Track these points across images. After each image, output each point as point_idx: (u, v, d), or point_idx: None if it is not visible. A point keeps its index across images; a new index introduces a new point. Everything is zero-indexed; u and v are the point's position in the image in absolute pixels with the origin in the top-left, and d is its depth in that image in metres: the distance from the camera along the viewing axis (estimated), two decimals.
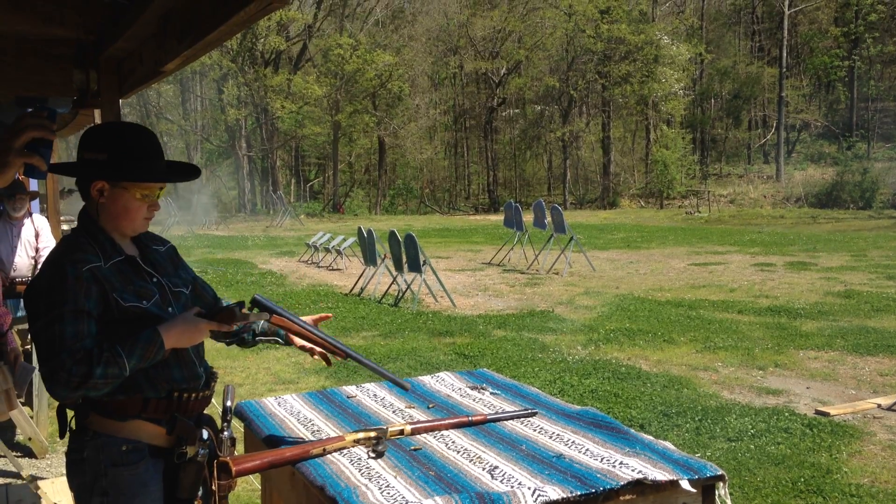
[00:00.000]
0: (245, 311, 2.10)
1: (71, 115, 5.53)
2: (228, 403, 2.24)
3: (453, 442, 2.33)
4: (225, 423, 2.22)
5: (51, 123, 1.72)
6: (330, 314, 2.57)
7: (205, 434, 2.14)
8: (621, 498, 1.96)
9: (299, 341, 2.35)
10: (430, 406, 2.71)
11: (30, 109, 1.77)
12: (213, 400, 2.31)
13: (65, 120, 5.84)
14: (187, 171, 2.22)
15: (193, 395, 2.14)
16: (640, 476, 1.98)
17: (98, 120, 4.31)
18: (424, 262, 11.17)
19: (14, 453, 5.31)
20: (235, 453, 2.26)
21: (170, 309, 2.10)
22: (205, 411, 2.27)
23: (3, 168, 1.68)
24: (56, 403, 2.10)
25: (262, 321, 2.33)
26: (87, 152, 2.04)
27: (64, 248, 2.04)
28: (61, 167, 2.20)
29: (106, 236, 2.07)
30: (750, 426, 5.55)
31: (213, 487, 2.14)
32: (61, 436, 2.13)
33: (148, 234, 2.24)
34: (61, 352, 1.87)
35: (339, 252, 16.19)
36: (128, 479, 2.04)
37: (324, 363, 2.44)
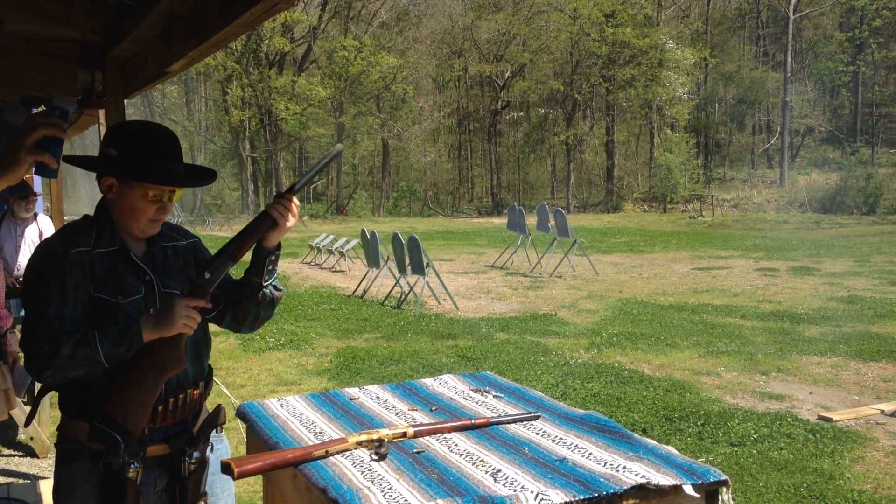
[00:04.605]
0: (208, 274, 2.00)
1: (76, 114, 5.55)
2: (212, 420, 2.14)
3: (456, 445, 2.33)
4: (195, 443, 2.10)
5: (62, 122, 1.72)
6: None
7: (158, 453, 2.06)
8: (625, 502, 1.95)
9: (269, 238, 2.10)
10: (433, 409, 2.70)
11: (35, 109, 1.77)
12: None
13: (69, 120, 5.86)
14: (202, 176, 2.15)
15: None
16: (644, 481, 1.97)
17: (103, 120, 4.31)
18: (427, 264, 11.16)
19: (16, 452, 5.32)
20: (205, 478, 2.15)
21: (152, 311, 2.02)
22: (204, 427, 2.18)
23: (14, 165, 1.68)
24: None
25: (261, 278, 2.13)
26: (104, 146, 2.01)
27: (62, 230, 2.05)
28: (77, 159, 2.10)
29: (110, 225, 2.03)
30: (752, 431, 5.54)
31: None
32: (26, 423, 2.13)
33: (173, 226, 2.19)
34: (39, 327, 1.87)
35: (342, 254, 16.19)
36: (62, 479, 2.04)
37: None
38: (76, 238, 1.99)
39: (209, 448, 2.17)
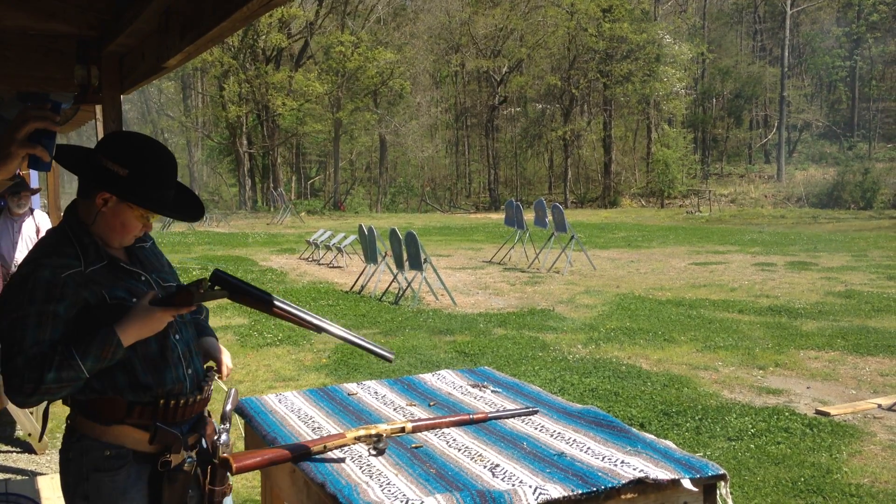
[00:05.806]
0: (203, 290, 1.98)
1: (72, 110, 5.54)
2: (228, 408, 2.19)
3: (454, 440, 2.33)
4: (223, 427, 2.16)
5: (54, 115, 1.71)
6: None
7: (192, 442, 2.11)
8: (623, 497, 1.96)
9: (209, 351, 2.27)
10: (432, 404, 2.70)
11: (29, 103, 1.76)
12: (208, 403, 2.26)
13: (66, 115, 5.85)
14: (191, 208, 2.20)
15: (182, 400, 2.07)
16: (642, 475, 1.97)
17: (100, 116, 4.30)
18: (425, 260, 11.16)
19: (14, 449, 5.32)
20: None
21: (127, 317, 2.02)
22: (206, 412, 2.24)
23: (6, 159, 1.67)
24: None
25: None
26: (108, 161, 1.99)
27: (45, 247, 1.99)
28: (78, 168, 2.03)
29: (91, 240, 2.01)
30: (750, 426, 5.55)
31: (207, 491, 2.13)
32: (40, 438, 2.12)
33: None
34: (18, 356, 1.85)
35: (339, 249, 16.18)
36: (107, 486, 2.02)
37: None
38: (66, 260, 1.95)
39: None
